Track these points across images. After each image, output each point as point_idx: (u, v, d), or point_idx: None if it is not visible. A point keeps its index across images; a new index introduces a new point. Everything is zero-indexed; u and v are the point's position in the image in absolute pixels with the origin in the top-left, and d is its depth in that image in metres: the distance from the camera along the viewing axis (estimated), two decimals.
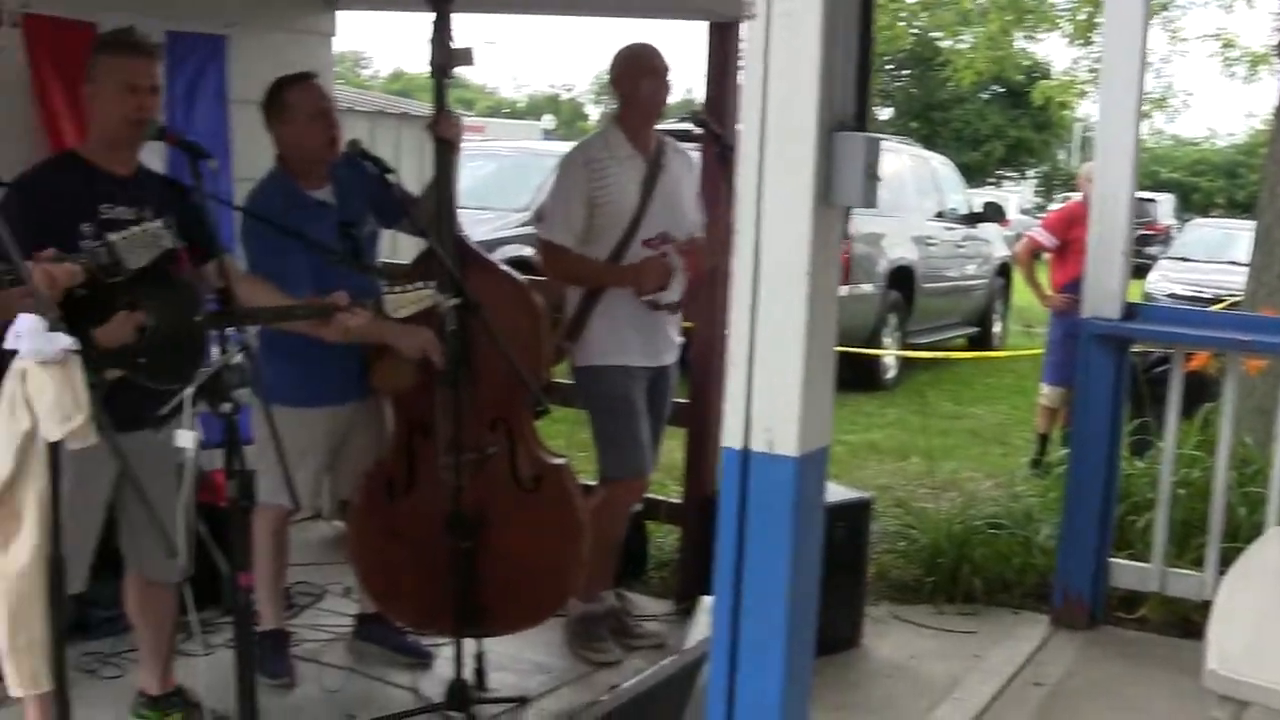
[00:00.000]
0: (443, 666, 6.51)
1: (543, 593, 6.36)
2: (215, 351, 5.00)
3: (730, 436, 3.85)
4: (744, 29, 7.09)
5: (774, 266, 3.72)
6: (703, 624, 5.27)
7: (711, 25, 7.50)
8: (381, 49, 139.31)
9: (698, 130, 6.93)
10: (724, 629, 3.97)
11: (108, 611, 6.67)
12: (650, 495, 7.76)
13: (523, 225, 15.02)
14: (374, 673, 6.66)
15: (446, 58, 6.08)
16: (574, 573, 6.35)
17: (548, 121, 58.22)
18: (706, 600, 5.20)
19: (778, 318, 3.72)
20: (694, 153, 7.21)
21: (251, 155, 7.19)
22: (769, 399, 3.76)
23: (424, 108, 15.35)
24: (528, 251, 13.97)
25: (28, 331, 3.46)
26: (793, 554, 3.84)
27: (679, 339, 6.99)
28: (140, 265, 4.58)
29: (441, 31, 6.04)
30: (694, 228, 6.89)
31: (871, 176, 3.73)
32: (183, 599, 5.26)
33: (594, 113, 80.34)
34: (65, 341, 3.49)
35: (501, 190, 15.84)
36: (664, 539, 8.48)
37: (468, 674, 6.13)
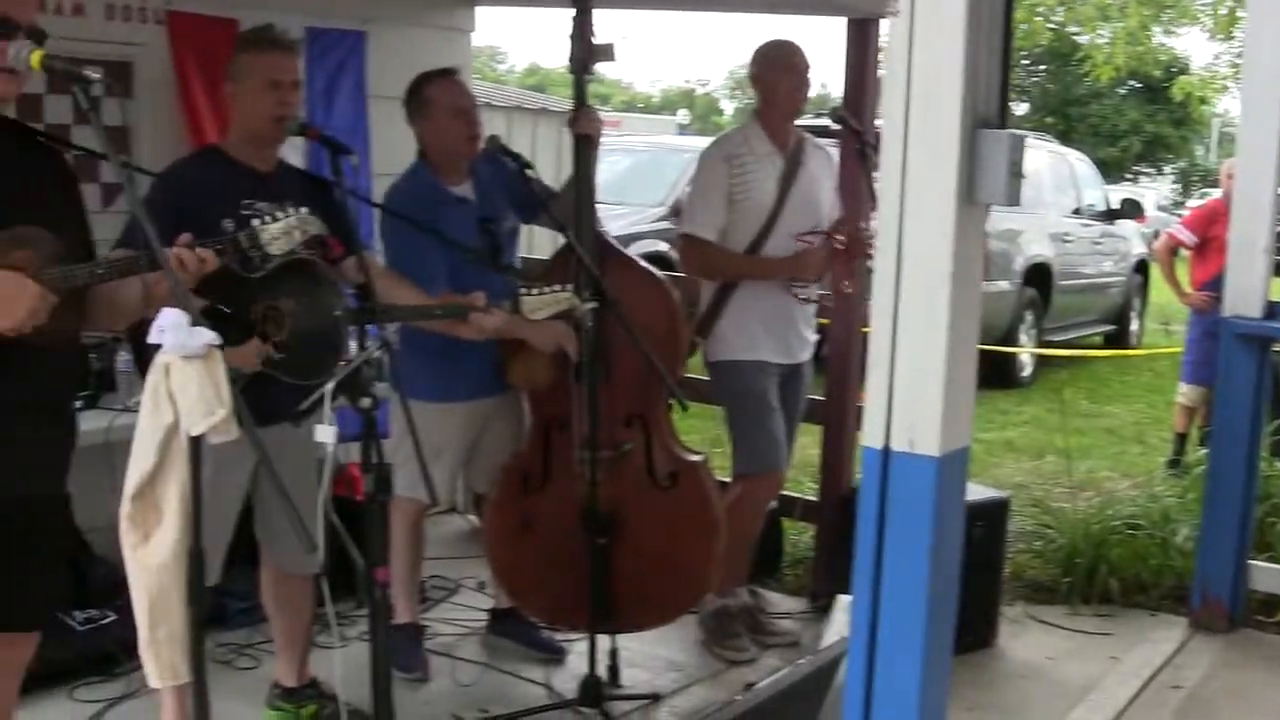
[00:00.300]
0: (576, 662, 6.52)
1: (677, 590, 6.35)
2: (354, 347, 5.04)
3: (871, 436, 3.82)
4: (883, 25, 7.08)
5: (916, 265, 3.69)
6: (839, 623, 5.25)
7: (850, 21, 7.46)
8: (517, 43, 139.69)
9: (836, 126, 6.90)
10: (862, 629, 3.95)
11: (243, 602, 6.75)
12: (785, 492, 7.74)
13: (658, 220, 15.03)
14: (507, 667, 6.68)
15: (588, 54, 6.08)
16: (709, 570, 6.33)
17: (682, 116, 58.20)
18: (843, 599, 5.18)
19: (920, 317, 3.69)
20: (832, 149, 7.17)
21: (390, 150, 7.25)
22: (911, 398, 3.73)
23: (561, 103, 15.40)
24: (663, 247, 14.02)
25: (171, 326, 3.48)
26: (932, 554, 3.80)
27: (813, 336, 6.95)
28: (282, 251, 4.60)
29: (583, 28, 6.05)
30: (830, 225, 6.86)
31: (1016, 174, 3.69)
32: (319, 591, 5.30)
33: (729, 108, 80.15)
34: (208, 336, 3.51)
35: (637, 185, 15.80)
36: (799, 536, 8.45)
37: (601, 670, 6.12)
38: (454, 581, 7.72)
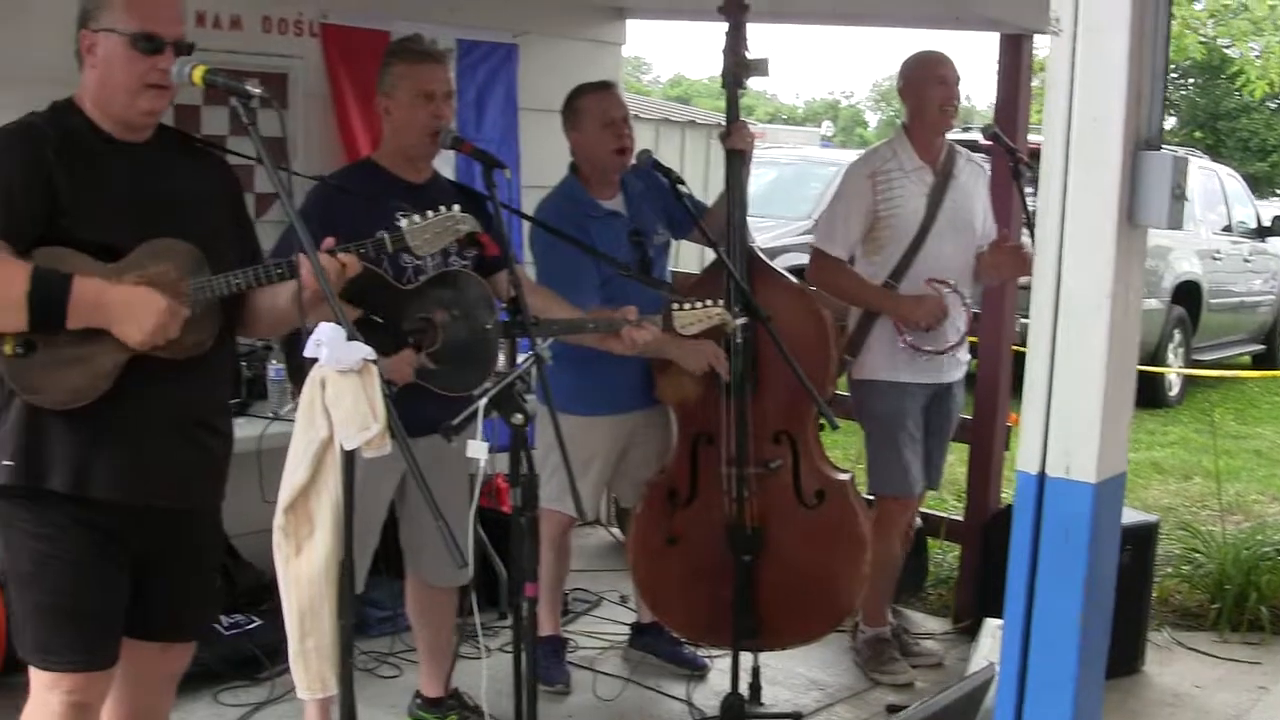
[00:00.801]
0: (717, 679, 6.53)
1: (822, 608, 6.29)
2: (503, 361, 5.05)
3: (1026, 460, 3.77)
4: (1037, 40, 7.02)
5: (1075, 288, 3.63)
6: (986, 647, 5.19)
7: (1003, 36, 7.40)
8: (661, 54, 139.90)
9: (987, 142, 6.83)
10: (1013, 656, 3.89)
11: (385, 611, 6.82)
12: (931, 511, 7.71)
13: (803, 234, 15.01)
14: (648, 682, 6.69)
15: (741, 68, 6.08)
16: (854, 590, 6.27)
17: (826, 128, 58.05)
18: (991, 623, 5.12)
19: (1078, 341, 3.64)
20: (984, 163, 7.07)
21: (540, 163, 7.28)
22: (1067, 423, 3.68)
23: (707, 115, 15.41)
24: (807, 260, 13.98)
25: (328, 340, 3.50)
26: (1087, 582, 3.74)
27: (965, 356, 6.87)
28: (432, 251, 4.61)
29: (736, 42, 6.04)
30: (983, 240, 6.77)
31: (1178, 197, 3.63)
32: (463, 602, 5.30)
33: (873, 120, 79.84)
34: (364, 351, 3.52)
35: (782, 198, 15.79)
36: (943, 555, 8.36)
37: (743, 688, 6.09)
38: (596, 594, 7.73)
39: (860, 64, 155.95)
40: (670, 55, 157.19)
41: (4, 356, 3.87)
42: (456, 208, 4.46)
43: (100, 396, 3.96)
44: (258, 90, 3.85)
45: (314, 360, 3.59)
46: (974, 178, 6.83)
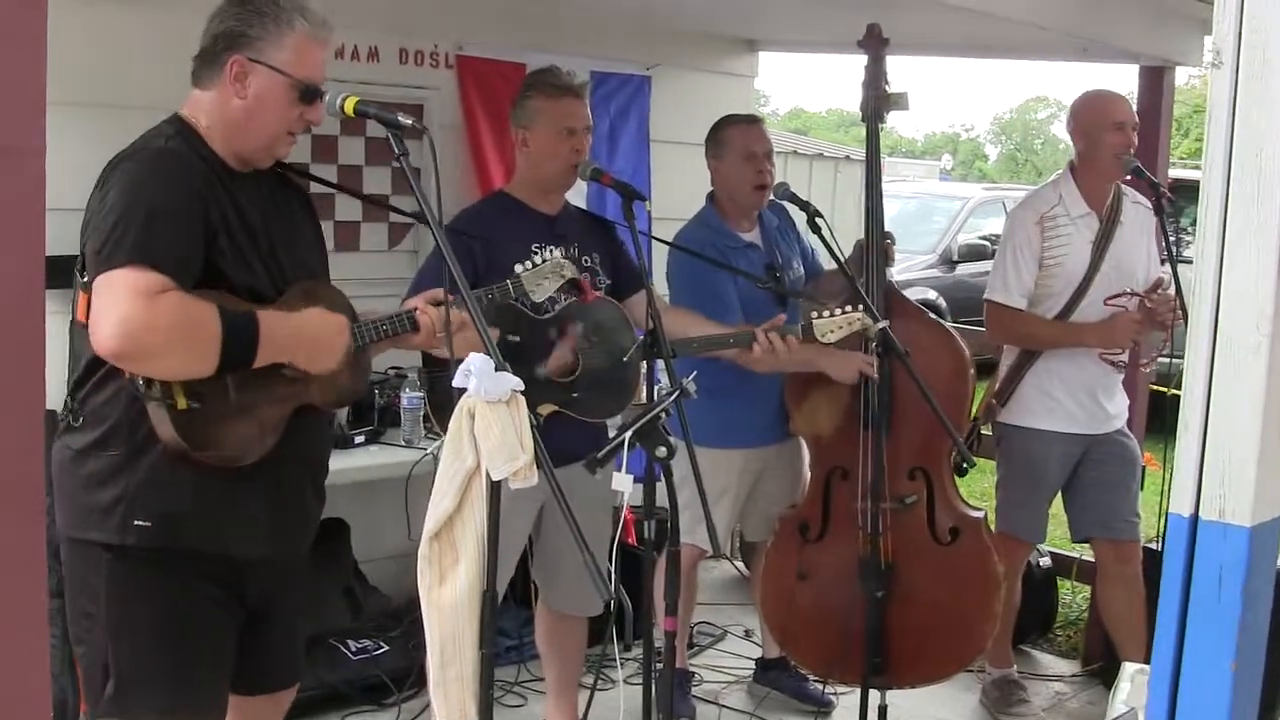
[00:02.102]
0: (842, 716, 6.49)
1: (952, 647, 6.19)
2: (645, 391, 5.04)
3: (1179, 503, 3.70)
4: (1178, 73, 6.92)
5: (1233, 328, 3.56)
6: (1125, 691, 5.09)
7: (1142, 69, 7.31)
8: (779, 86, 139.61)
9: (1127, 177, 6.67)
10: (1161, 704, 3.82)
11: (511, 640, 6.84)
12: (1061, 551, 7.62)
13: (928, 268, 14.95)
14: (773, 718, 6.68)
15: (882, 102, 6.03)
16: (985, 629, 6.17)
17: (946, 161, 57.83)
18: (1130, 666, 5.02)
19: (1235, 381, 3.57)
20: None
21: (668, 194, 7.26)
22: (1223, 466, 3.60)
23: (836, 148, 15.40)
24: (931, 294, 13.94)
25: (478, 370, 3.48)
26: (1241, 629, 3.67)
27: (1123, 400, 6.65)
28: (545, 297, 4.67)
29: (876, 76, 6.00)
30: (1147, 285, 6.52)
31: None
32: (601, 632, 5.29)
33: (993, 153, 79.39)
34: (513, 382, 3.50)
35: (906, 232, 15.71)
36: (1071, 597, 8.26)
37: None
38: (721, 628, 7.72)
39: (980, 96, 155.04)
40: (788, 88, 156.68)
41: (175, 412, 3.67)
42: (559, 253, 4.56)
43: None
44: (408, 120, 3.80)
45: (461, 390, 3.57)
46: (1138, 222, 6.53)
